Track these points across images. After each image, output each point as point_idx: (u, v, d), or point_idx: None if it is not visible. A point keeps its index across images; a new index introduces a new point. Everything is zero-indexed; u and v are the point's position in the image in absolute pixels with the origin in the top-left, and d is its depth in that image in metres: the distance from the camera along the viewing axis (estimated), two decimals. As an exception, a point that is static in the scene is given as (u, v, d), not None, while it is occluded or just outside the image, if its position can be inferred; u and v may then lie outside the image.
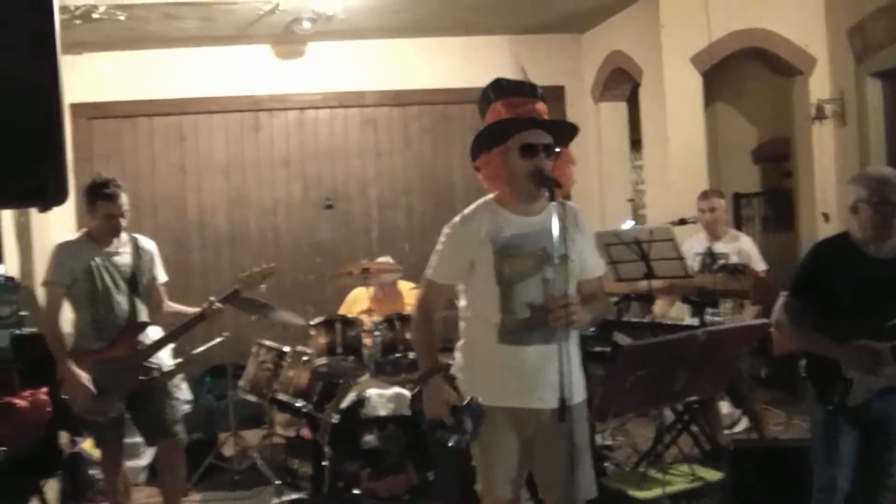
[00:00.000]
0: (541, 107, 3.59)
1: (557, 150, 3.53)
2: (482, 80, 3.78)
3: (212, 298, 5.29)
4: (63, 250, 5.11)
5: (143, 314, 5.27)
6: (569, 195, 3.55)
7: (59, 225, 7.65)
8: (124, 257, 5.20)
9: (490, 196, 3.68)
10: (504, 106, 3.59)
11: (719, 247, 6.74)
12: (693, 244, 6.92)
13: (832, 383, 4.00)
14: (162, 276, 5.44)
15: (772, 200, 10.14)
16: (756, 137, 10.41)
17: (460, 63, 9.30)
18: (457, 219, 3.68)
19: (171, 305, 5.49)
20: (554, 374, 3.29)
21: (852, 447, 4.06)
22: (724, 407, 6.89)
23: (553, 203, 3.37)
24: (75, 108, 8.78)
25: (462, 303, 3.75)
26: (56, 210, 3.69)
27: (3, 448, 3.46)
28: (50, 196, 3.52)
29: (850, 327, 3.95)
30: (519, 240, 3.55)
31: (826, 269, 4.11)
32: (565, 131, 3.70)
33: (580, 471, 3.51)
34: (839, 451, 4.05)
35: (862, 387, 3.97)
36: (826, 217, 7.20)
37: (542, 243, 3.52)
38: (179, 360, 6.99)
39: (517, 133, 3.52)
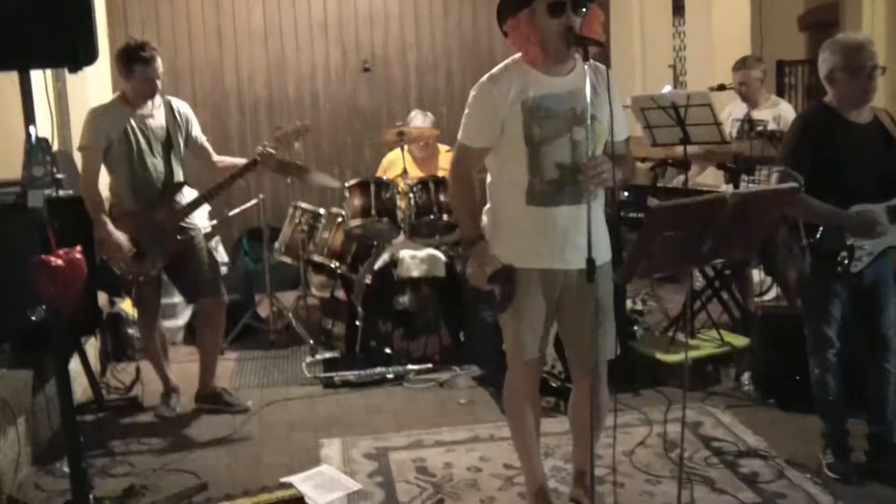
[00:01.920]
0: None
1: (585, 8, 3.41)
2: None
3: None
4: (98, 115, 5.13)
5: (179, 175, 5.32)
6: (608, 56, 3.48)
7: (95, 90, 7.67)
8: (159, 119, 5.23)
9: (518, 55, 3.59)
10: None
11: (758, 114, 6.62)
12: (733, 110, 6.82)
13: (836, 251, 4.06)
14: (201, 136, 5.47)
15: (817, 69, 9.88)
16: (803, 3, 10.11)
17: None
18: (484, 78, 3.60)
19: (222, 159, 5.55)
20: (581, 234, 3.30)
21: (841, 310, 4.22)
22: (756, 275, 6.90)
23: (586, 64, 3.29)
24: (109, -27, 8.69)
25: (488, 164, 3.71)
26: (92, 75, 3.73)
27: (43, 306, 3.54)
28: (80, 57, 3.55)
29: (845, 193, 4.03)
30: (549, 101, 3.48)
31: (817, 139, 4.13)
32: None
33: (603, 330, 3.57)
34: (832, 313, 4.21)
35: (864, 251, 4.06)
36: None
37: (572, 104, 3.48)
38: (215, 221, 7.08)
39: None
